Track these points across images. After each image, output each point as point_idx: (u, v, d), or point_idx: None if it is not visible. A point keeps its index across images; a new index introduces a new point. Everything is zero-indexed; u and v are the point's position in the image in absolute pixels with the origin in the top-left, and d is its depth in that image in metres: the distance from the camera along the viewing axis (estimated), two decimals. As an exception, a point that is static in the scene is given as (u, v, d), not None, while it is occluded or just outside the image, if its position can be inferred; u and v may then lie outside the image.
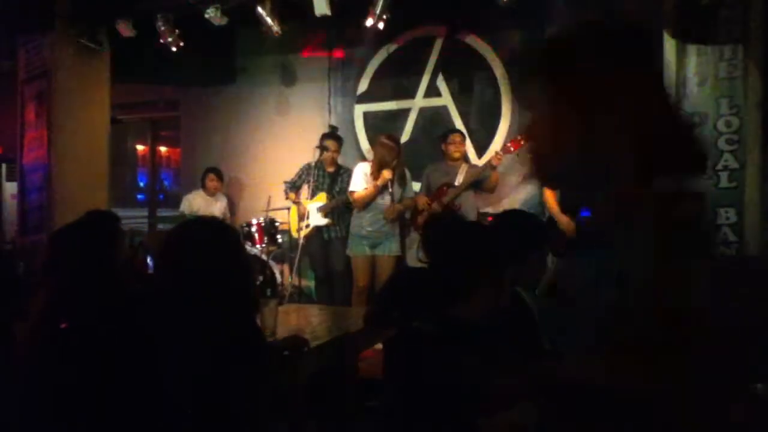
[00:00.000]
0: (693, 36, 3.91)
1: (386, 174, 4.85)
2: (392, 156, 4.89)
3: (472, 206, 5.04)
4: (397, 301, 2.81)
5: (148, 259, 2.77)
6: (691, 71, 3.91)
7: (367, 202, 5.00)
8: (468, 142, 5.57)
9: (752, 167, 3.74)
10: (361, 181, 5.03)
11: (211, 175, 6.41)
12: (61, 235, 2.06)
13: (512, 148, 4.85)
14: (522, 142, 4.82)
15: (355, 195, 5.05)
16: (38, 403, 1.80)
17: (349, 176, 5.48)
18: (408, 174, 5.18)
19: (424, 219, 4.77)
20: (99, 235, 2.06)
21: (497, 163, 4.86)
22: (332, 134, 5.68)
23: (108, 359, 1.76)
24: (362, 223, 5.06)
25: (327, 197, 5.49)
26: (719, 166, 3.82)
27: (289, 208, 5.85)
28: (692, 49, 3.90)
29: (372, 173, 4.96)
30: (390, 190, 4.87)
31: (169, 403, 1.71)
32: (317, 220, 5.49)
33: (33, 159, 5.51)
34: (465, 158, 5.37)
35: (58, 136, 5.31)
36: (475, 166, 5.29)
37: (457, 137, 5.21)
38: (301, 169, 5.68)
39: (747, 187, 3.75)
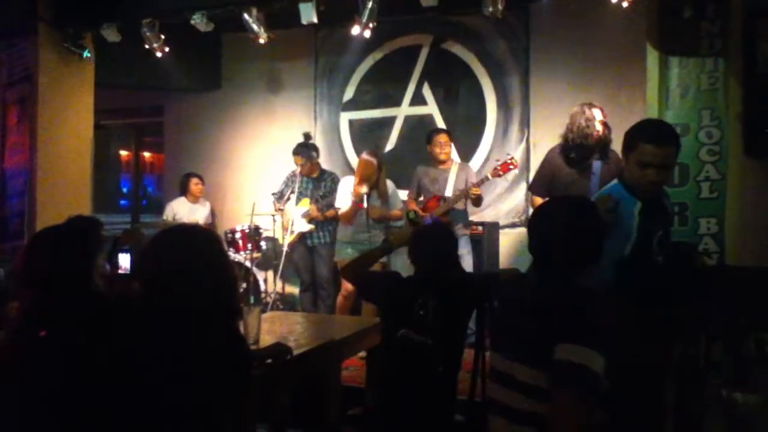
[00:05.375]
0: (675, 48, 3.96)
1: (357, 189, 4.81)
2: (369, 171, 4.81)
3: (462, 217, 5.01)
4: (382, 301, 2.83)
5: (121, 257, 2.74)
6: (673, 83, 3.96)
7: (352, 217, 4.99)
8: (453, 149, 5.50)
9: (733, 178, 3.78)
10: (345, 197, 4.99)
11: (195, 179, 6.35)
12: (41, 239, 2.03)
13: (501, 172, 4.79)
14: (512, 165, 4.76)
15: (340, 213, 5.02)
16: (17, 411, 1.77)
17: (333, 181, 5.45)
18: (391, 188, 5.12)
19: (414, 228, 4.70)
20: (78, 240, 2.04)
21: (475, 195, 4.77)
22: (302, 147, 5.59)
23: (88, 367, 1.74)
24: (347, 233, 5.05)
25: (310, 203, 5.49)
26: (701, 177, 3.86)
27: (274, 215, 5.84)
28: (674, 61, 3.95)
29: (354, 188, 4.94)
30: (365, 205, 4.79)
31: (150, 411, 1.69)
32: (301, 226, 5.47)
33: (14, 164, 5.44)
34: (453, 160, 5.22)
35: (40, 141, 5.25)
36: (465, 165, 5.25)
37: (442, 137, 5.06)
38: (286, 178, 5.68)
39: (728, 198, 3.79)
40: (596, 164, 3.84)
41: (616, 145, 4.31)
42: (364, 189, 4.76)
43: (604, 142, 3.83)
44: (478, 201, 4.90)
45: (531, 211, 4.68)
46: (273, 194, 5.71)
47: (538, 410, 1.72)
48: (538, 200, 4.13)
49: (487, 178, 4.81)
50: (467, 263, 4.83)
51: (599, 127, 3.80)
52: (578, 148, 3.84)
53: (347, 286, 5.03)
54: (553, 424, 1.66)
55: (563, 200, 2.33)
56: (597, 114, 3.83)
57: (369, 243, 4.98)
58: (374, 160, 4.86)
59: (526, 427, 1.75)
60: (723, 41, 3.82)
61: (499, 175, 4.80)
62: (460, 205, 4.95)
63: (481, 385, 2.44)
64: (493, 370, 1.93)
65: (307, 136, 5.62)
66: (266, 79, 6.79)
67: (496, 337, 2.00)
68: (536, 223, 1.96)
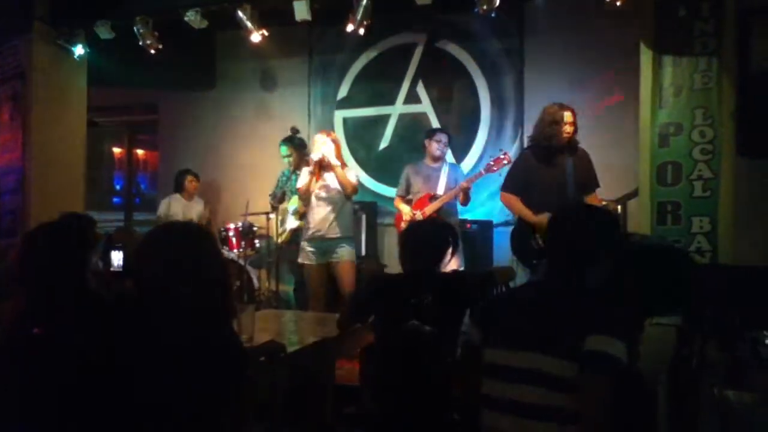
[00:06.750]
0: (669, 47, 3.97)
1: (310, 159, 4.77)
2: (318, 144, 4.72)
3: (453, 216, 5.00)
4: (378, 305, 2.81)
5: (114, 254, 2.74)
6: (666, 82, 3.98)
7: (308, 195, 4.75)
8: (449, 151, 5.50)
9: (726, 177, 3.80)
10: (305, 177, 4.84)
11: (190, 177, 6.34)
12: (34, 236, 2.02)
13: (495, 167, 4.79)
14: (505, 161, 4.76)
15: (297, 188, 4.90)
16: (14, 410, 1.77)
17: None
18: (351, 170, 4.93)
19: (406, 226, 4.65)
20: (73, 238, 2.03)
21: (468, 186, 4.78)
22: (287, 139, 5.60)
23: (83, 365, 1.73)
24: (309, 225, 4.76)
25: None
26: (693, 176, 3.88)
27: (268, 213, 5.84)
28: (668, 60, 3.96)
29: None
30: (309, 171, 4.69)
31: (147, 410, 1.69)
32: (291, 223, 5.47)
33: (7, 161, 5.42)
34: (445, 160, 5.18)
35: (33, 138, 5.23)
36: (456, 166, 5.25)
37: (443, 137, 5.10)
38: (278, 179, 5.69)
39: (721, 197, 3.81)
40: (568, 160, 4.03)
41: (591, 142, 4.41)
42: (314, 155, 4.68)
43: (570, 142, 4.04)
44: (466, 199, 4.89)
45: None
46: (269, 195, 5.73)
47: (552, 402, 1.72)
48: (513, 198, 4.21)
49: (480, 174, 4.82)
50: (455, 262, 4.81)
51: (569, 129, 4.00)
52: (545, 147, 4.04)
53: (312, 289, 4.84)
54: (583, 411, 1.70)
55: (585, 207, 2.45)
56: (566, 116, 4.00)
57: (331, 237, 4.68)
58: (323, 135, 4.80)
59: (538, 422, 1.73)
60: (717, 40, 3.84)
61: (493, 171, 4.81)
62: (450, 207, 4.96)
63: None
64: (492, 366, 1.88)
65: (294, 129, 5.63)
66: (260, 77, 6.77)
67: (497, 332, 1.95)
68: (561, 225, 2.02)
